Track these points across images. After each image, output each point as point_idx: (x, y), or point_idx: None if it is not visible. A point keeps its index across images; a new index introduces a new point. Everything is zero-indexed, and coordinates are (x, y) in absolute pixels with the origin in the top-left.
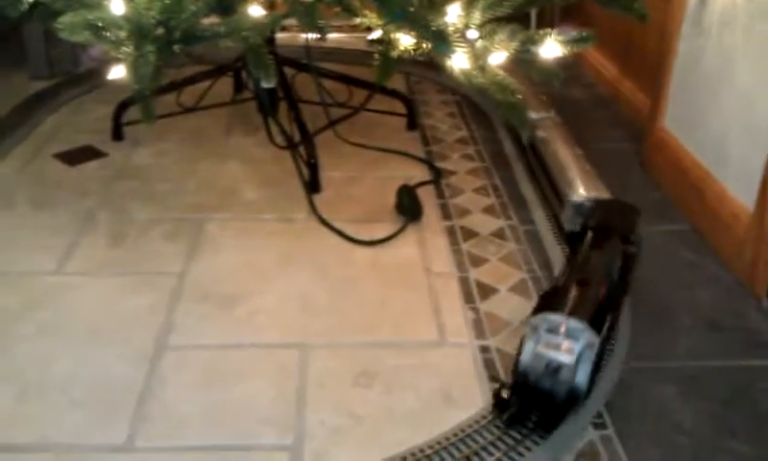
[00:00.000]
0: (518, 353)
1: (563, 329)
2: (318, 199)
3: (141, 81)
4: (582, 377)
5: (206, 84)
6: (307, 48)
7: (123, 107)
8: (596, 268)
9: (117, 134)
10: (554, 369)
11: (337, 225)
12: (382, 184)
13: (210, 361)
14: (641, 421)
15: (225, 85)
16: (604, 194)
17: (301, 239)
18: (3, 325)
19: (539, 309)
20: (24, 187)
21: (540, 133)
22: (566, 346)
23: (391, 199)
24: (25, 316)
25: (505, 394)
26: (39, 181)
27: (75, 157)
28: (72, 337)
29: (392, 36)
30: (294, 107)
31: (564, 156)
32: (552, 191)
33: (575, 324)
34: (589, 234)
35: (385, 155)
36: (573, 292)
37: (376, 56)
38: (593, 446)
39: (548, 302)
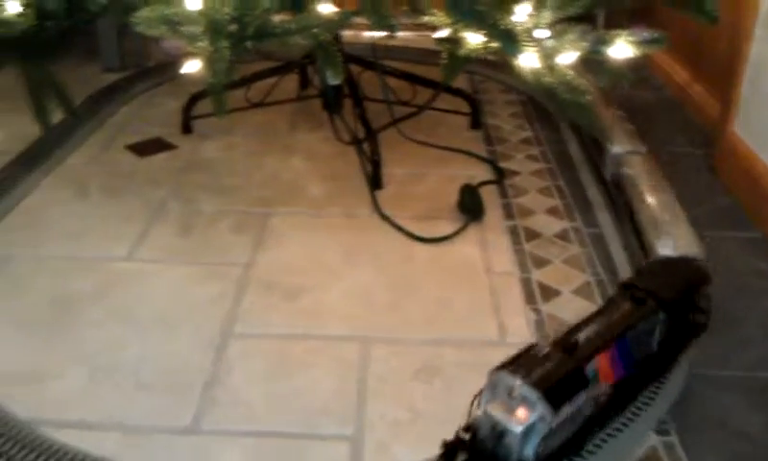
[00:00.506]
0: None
1: (515, 394)
2: (380, 195)
3: (216, 75)
4: (529, 451)
5: (273, 80)
6: (373, 46)
7: (193, 101)
8: (602, 333)
9: (186, 128)
10: (500, 432)
11: (399, 222)
12: (444, 183)
13: (274, 350)
14: (706, 429)
15: (291, 82)
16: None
17: (364, 235)
18: (76, 308)
19: (507, 364)
20: (97, 177)
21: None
22: (520, 413)
23: (453, 197)
24: (97, 300)
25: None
26: (111, 170)
27: (145, 148)
28: (142, 322)
29: (460, 34)
30: (359, 104)
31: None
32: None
33: (528, 392)
34: (620, 293)
35: (448, 153)
36: (552, 354)
37: (443, 54)
38: (655, 451)
39: (523, 357)
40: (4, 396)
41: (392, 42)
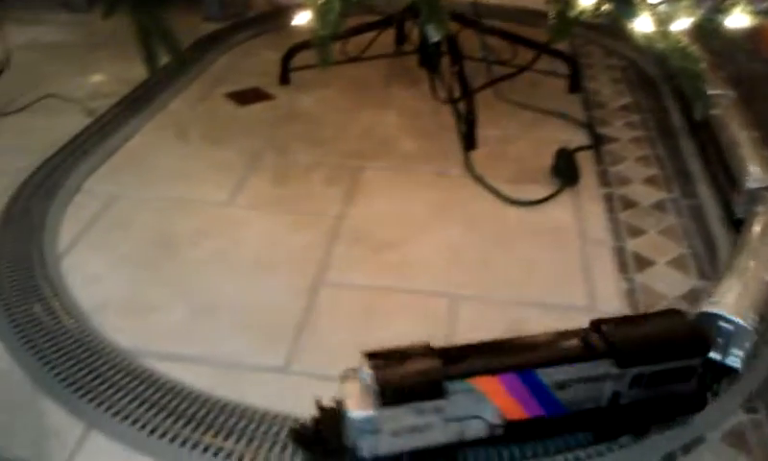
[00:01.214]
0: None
1: (367, 382)
2: (473, 156)
3: (326, 27)
4: (360, 443)
5: (371, 35)
6: (475, 3)
7: (291, 52)
8: (504, 357)
9: (284, 79)
10: (342, 415)
11: (491, 183)
12: (539, 146)
13: (363, 300)
14: None
15: (387, 37)
16: None
17: (455, 194)
18: (178, 248)
19: (381, 353)
20: (198, 123)
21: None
22: (356, 401)
23: (547, 161)
24: (198, 242)
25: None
26: (212, 118)
27: (244, 97)
28: (239, 265)
29: None
30: (457, 62)
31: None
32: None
33: (372, 382)
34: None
35: (544, 116)
36: (425, 358)
37: (552, 15)
38: (742, 427)
39: (400, 352)
40: (110, 327)
41: (493, 0)
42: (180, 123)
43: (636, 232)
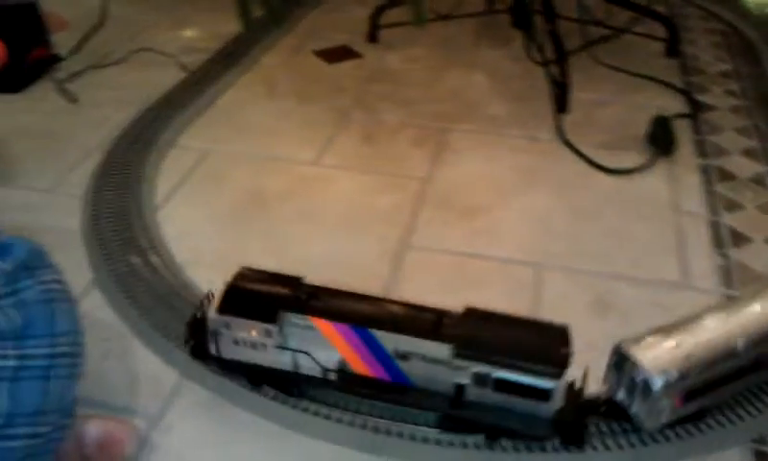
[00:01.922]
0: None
1: None
2: (565, 120)
3: None
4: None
5: None
6: None
7: (380, 10)
8: (352, 309)
9: (372, 37)
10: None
11: (582, 149)
12: (634, 112)
13: (449, 266)
14: None
15: None
16: None
17: (544, 159)
18: (268, 204)
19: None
20: (287, 79)
21: None
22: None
23: (642, 128)
24: (287, 199)
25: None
26: (301, 74)
27: (332, 55)
28: (327, 224)
29: None
30: (551, 22)
31: None
32: None
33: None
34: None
35: (640, 81)
36: (282, 286)
37: None
38: None
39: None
40: (203, 279)
41: None
42: (270, 79)
43: (733, 206)
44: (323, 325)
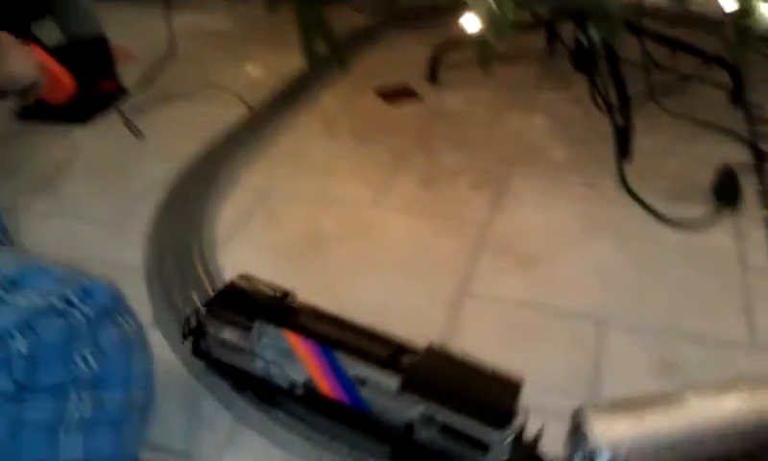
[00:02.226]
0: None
1: None
2: (627, 167)
3: (498, 35)
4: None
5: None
6: (639, 7)
7: (441, 50)
8: (326, 329)
9: (432, 76)
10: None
11: (645, 198)
12: (698, 161)
13: (507, 315)
14: None
15: (537, 36)
16: None
17: (606, 207)
18: (327, 246)
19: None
20: (347, 118)
21: None
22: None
23: (706, 178)
24: (344, 240)
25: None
26: (360, 113)
27: (392, 94)
28: (384, 267)
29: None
30: (614, 66)
31: None
32: None
33: None
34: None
35: (703, 129)
36: (266, 294)
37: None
38: None
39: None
40: None
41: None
42: (330, 118)
43: None
44: (294, 340)
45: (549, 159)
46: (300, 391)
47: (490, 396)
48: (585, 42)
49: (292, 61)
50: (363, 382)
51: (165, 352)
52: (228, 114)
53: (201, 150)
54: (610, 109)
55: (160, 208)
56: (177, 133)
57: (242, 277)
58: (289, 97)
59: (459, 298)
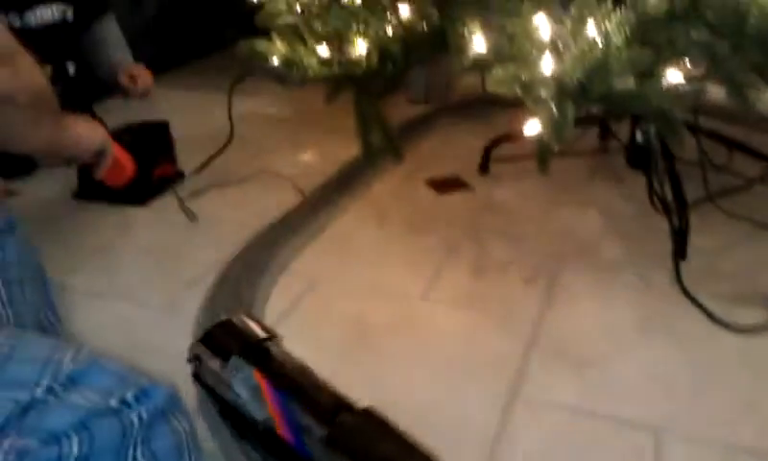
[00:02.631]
0: None
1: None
2: (683, 267)
3: (558, 139)
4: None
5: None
6: (696, 107)
7: (494, 143)
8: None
9: (484, 168)
10: None
11: (702, 300)
12: (758, 264)
13: (560, 423)
14: None
15: (590, 131)
16: None
17: (662, 308)
18: (373, 337)
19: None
20: (397, 207)
21: None
22: None
23: (766, 282)
24: (394, 334)
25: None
26: (411, 203)
27: (443, 184)
28: (432, 365)
29: None
30: (670, 163)
31: None
32: None
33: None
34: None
35: (762, 230)
36: (248, 336)
37: None
38: None
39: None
40: None
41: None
42: (381, 206)
43: None
44: (261, 380)
45: (602, 256)
46: (261, 427)
47: None
48: (640, 140)
49: (345, 148)
50: (306, 430)
51: (208, 443)
52: (280, 200)
53: (252, 235)
54: (666, 208)
55: (210, 294)
56: (230, 218)
57: (243, 314)
58: (341, 184)
59: (510, 401)
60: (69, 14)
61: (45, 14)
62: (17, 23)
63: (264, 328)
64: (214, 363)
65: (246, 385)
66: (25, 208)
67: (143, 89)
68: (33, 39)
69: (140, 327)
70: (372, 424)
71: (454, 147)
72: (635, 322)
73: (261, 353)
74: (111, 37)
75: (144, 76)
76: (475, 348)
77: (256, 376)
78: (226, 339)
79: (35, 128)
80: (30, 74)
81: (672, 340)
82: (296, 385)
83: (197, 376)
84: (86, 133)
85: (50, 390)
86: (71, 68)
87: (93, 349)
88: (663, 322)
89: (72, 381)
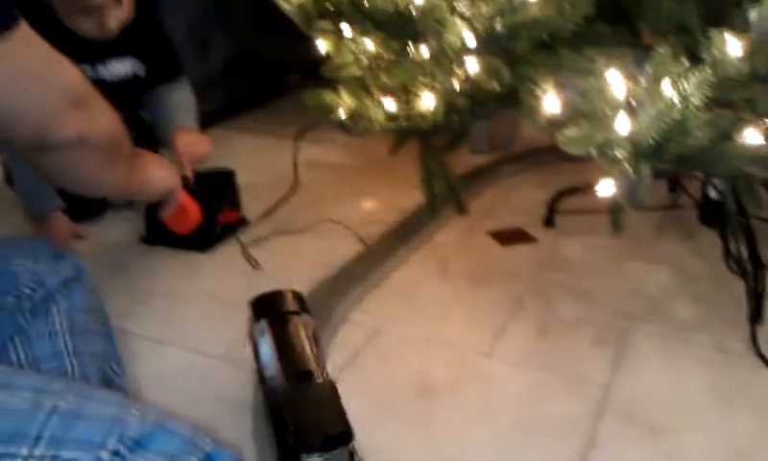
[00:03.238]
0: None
1: None
2: (760, 331)
3: (633, 200)
4: None
5: None
6: None
7: (560, 195)
8: None
9: (549, 221)
10: None
11: None
12: None
13: None
14: None
15: (659, 185)
16: None
17: (738, 375)
18: (434, 393)
19: None
20: (460, 259)
21: None
22: None
23: None
24: (456, 392)
25: None
26: (474, 255)
27: (507, 237)
28: (496, 427)
29: None
30: (745, 222)
31: None
32: None
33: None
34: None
35: None
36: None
37: None
38: None
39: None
40: None
41: None
42: (443, 257)
43: None
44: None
45: (674, 316)
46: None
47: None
48: (713, 196)
49: (407, 197)
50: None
51: None
52: (342, 248)
53: (314, 283)
54: (741, 268)
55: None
56: (292, 266)
57: (291, 290)
58: (403, 233)
59: None
60: (142, 72)
61: (118, 69)
62: (89, 73)
63: (300, 304)
64: (251, 324)
65: (266, 344)
66: (92, 252)
67: (194, 158)
68: (105, 91)
69: (200, 375)
70: (322, 393)
71: (518, 198)
72: (708, 389)
73: (281, 320)
74: (178, 100)
75: (197, 144)
76: (541, 410)
77: (269, 335)
78: (263, 305)
79: (107, 170)
80: (103, 117)
81: (748, 410)
82: (287, 349)
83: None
84: (158, 173)
85: (116, 453)
86: (145, 115)
87: (159, 408)
88: (739, 389)
89: (139, 445)
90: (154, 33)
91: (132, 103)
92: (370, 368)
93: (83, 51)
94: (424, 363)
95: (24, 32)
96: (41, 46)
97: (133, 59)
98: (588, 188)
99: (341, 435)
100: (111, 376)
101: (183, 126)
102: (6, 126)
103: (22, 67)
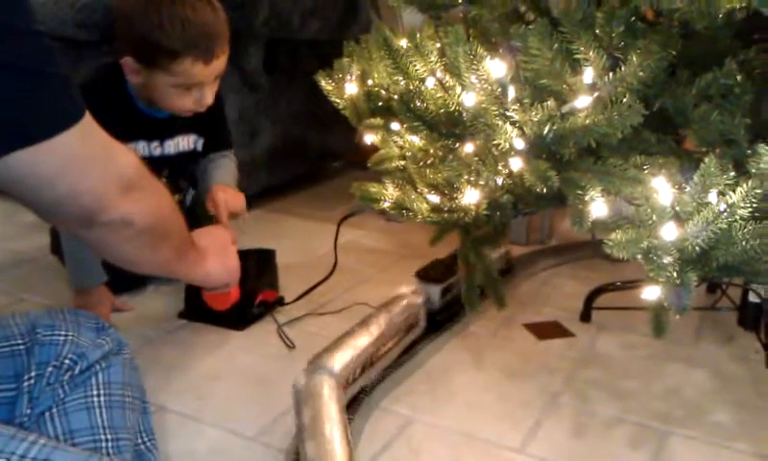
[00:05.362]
0: None
1: None
2: None
3: (680, 309)
4: None
5: None
6: None
7: (597, 292)
8: None
9: (585, 316)
10: None
11: None
12: None
13: None
14: None
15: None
16: None
17: None
18: None
19: None
20: (495, 351)
21: None
22: None
23: None
24: None
25: None
26: (509, 347)
27: (543, 330)
28: None
29: None
30: None
31: None
32: None
33: None
34: None
35: None
36: None
37: None
38: None
39: None
40: None
41: None
42: (478, 348)
43: None
44: None
45: (713, 422)
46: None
47: None
48: (754, 300)
49: None
50: None
51: None
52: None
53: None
54: None
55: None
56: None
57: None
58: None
59: None
60: (199, 145)
61: (182, 143)
62: (158, 151)
63: None
64: None
65: None
66: (130, 325)
67: (231, 210)
68: (166, 164)
69: (230, 455)
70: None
71: (554, 291)
72: None
73: None
74: (221, 163)
75: (234, 198)
76: None
77: None
78: None
79: (151, 252)
80: (152, 201)
81: None
82: None
83: None
84: (217, 270)
85: None
86: (188, 197)
87: None
88: None
89: None
90: (217, 109)
91: (184, 178)
92: (400, 458)
93: (154, 129)
94: (456, 457)
95: (87, 122)
96: (100, 135)
97: (196, 134)
98: (626, 286)
99: None
100: (144, 452)
101: (223, 183)
102: (56, 206)
103: (80, 154)
